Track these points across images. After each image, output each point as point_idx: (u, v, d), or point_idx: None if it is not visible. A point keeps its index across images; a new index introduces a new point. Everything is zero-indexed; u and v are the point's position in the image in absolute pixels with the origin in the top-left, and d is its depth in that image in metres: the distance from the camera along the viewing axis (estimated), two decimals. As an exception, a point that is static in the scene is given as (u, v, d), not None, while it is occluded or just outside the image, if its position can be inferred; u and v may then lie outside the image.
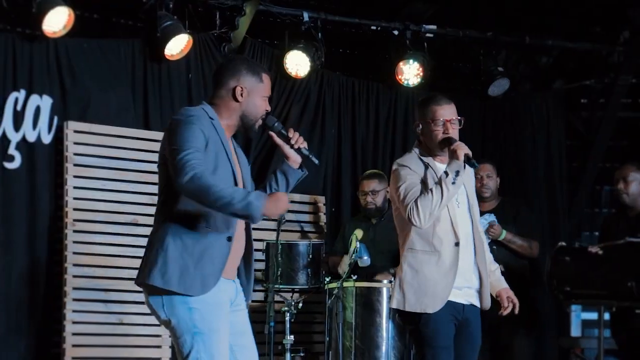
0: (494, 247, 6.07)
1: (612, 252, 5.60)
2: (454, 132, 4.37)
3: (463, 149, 4.27)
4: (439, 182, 4.27)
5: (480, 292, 4.45)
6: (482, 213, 6.25)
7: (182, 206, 3.66)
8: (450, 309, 4.34)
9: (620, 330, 6.21)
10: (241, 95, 3.77)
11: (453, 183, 4.24)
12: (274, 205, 3.61)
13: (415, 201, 4.27)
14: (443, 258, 4.33)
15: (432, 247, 4.35)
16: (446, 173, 4.27)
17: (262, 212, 3.57)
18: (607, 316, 6.28)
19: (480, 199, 6.43)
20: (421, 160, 4.42)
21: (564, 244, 5.86)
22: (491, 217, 6.13)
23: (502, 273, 5.75)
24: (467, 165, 4.28)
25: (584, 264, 5.71)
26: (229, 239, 3.71)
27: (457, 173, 4.25)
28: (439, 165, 4.41)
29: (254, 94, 3.79)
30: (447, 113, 4.37)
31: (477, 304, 4.46)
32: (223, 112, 3.78)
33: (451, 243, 4.34)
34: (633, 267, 5.44)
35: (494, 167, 6.60)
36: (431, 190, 4.27)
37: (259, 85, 3.81)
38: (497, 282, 4.59)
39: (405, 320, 4.45)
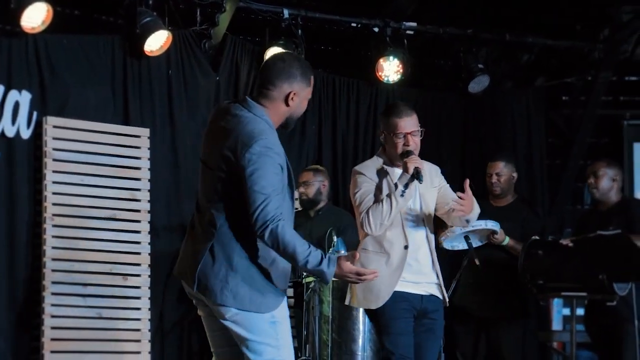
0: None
1: (583, 245, 5.63)
2: (414, 143, 4.60)
3: (414, 163, 4.49)
4: (389, 195, 4.52)
5: (440, 287, 4.68)
6: (495, 209, 6.26)
7: (250, 223, 3.65)
8: (406, 300, 4.57)
9: (592, 323, 6.25)
10: (292, 100, 3.76)
11: (402, 196, 4.50)
12: (340, 273, 3.72)
13: (367, 211, 4.53)
14: (392, 259, 4.58)
15: (382, 248, 4.61)
16: (396, 185, 4.51)
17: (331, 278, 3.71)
18: (581, 311, 6.35)
19: (494, 195, 6.46)
20: (383, 167, 4.64)
21: (536, 237, 5.88)
22: (496, 226, 6.10)
23: (493, 271, 5.83)
24: (421, 175, 4.49)
25: (557, 258, 5.73)
26: None
27: (407, 186, 4.48)
28: (400, 173, 4.61)
29: (302, 97, 3.80)
30: (407, 125, 4.59)
31: (439, 295, 4.68)
32: (272, 114, 3.76)
33: (401, 246, 4.59)
34: (604, 260, 5.47)
35: (507, 164, 6.47)
36: (382, 201, 4.52)
37: (307, 89, 3.83)
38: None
39: (343, 307, 4.83)
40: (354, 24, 7.50)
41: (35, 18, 6.15)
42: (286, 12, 7.13)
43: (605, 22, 8.13)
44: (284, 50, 6.20)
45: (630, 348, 5.83)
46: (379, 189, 4.59)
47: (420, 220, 4.66)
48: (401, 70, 7.51)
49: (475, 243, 6.09)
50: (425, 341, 4.62)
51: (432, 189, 4.72)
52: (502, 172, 6.44)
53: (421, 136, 4.65)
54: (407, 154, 4.55)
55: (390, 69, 7.52)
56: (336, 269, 3.66)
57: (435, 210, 4.76)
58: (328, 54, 7.88)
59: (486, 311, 6.24)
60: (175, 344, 6.80)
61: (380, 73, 7.53)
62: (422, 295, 4.60)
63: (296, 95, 3.75)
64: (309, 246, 3.66)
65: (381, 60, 7.50)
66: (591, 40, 8.14)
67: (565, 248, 5.68)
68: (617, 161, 6.59)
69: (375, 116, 7.78)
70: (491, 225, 6.01)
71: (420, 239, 4.65)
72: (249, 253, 3.71)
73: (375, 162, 4.70)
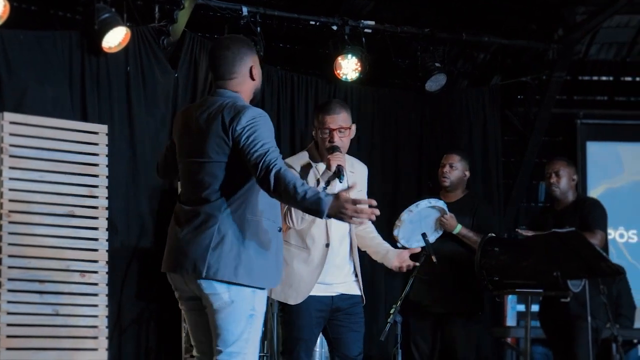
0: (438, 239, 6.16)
1: (539, 242, 5.71)
2: (339, 140, 4.67)
3: (336, 161, 4.57)
4: None
5: (357, 283, 4.83)
6: (446, 205, 6.31)
7: (253, 203, 3.81)
8: (315, 303, 4.70)
9: (547, 319, 6.34)
10: (254, 73, 3.96)
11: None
12: (337, 203, 3.68)
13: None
14: (312, 256, 4.68)
15: (304, 244, 4.70)
16: (318, 182, 4.59)
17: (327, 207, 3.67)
18: (536, 307, 6.43)
19: (443, 188, 6.48)
20: (309, 162, 4.72)
21: (493, 235, 5.95)
22: (440, 202, 6.12)
23: (449, 267, 5.89)
24: (343, 174, 4.54)
25: (512, 255, 5.80)
26: (280, 230, 3.93)
27: (328, 182, 4.55)
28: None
29: (258, 65, 3.99)
30: (334, 122, 4.67)
31: (354, 292, 4.82)
32: (244, 96, 3.93)
33: (322, 243, 4.69)
34: (558, 257, 5.55)
35: (461, 159, 6.45)
36: None
37: (257, 56, 4.01)
38: (389, 250, 4.90)
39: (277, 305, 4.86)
40: (312, 22, 7.54)
41: (-9, 14, 6.10)
42: (245, 10, 7.15)
43: (559, 22, 8.25)
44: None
45: (584, 344, 5.92)
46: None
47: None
48: (359, 69, 7.56)
49: (433, 237, 6.16)
50: (343, 335, 4.77)
51: (358, 192, 4.77)
52: (456, 166, 6.42)
53: (350, 135, 4.72)
54: (332, 149, 4.62)
55: (349, 67, 7.58)
56: (333, 199, 3.65)
57: None
58: (287, 52, 7.92)
59: (441, 307, 6.30)
60: (132, 340, 6.79)
61: (338, 71, 7.58)
62: (332, 297, 4.74)
63: (254, 67, 3.96)
64: (308, 185, 3.81)
65: (339, 58, 7.55)
66: (546, 40, 8.27)
67: (521, 244, 5.76)
68: (572, 160, 6.69)
69: (333, 114, 7.82)
70: (434, 202, 6.07)
71: (343, 239, 4.76)
72: (257, 231, 3.81)
73: (303, 156, 4.78)
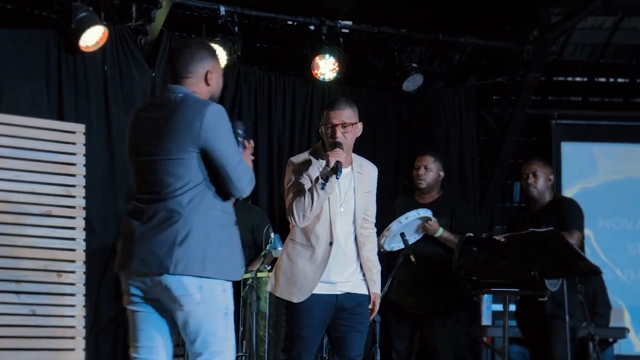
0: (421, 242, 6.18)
1: (517, 242, 5.74)
2: (342, 136, 4.66)
3: (335, 157, 4.57)
4: (310, 188, 4.60)
5: (365, 282, 4.80)
6: (420, 205, 6.34)
7: (212, 198, 3.85)
8: (319, 302, 4.69)
9: (524, 318, 6.37)
10: (210, 78, 3.95)
11: (322, 189, 4.56)
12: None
13: (292, 202, 4.63)
14: (316, 254, 4.68)
15: (309, 242, 4.70)
16: (317, 179, 4.58)
17: None
18: (512, 307, 6.47)
19: (419, 190, 6.52)
20: (311, 158, 4.72)
21: (471, 234, 5.98)
22: (428, 212, 6.16)
23: (429, 267, 5.89)
24: (340, 170, 4.53)
25: (491, 254, 5.83)
26: (236, 222, 3.98)
27: (327, 179, 4.54)
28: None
29: (217, 74, 3.98)
30: (336, 117, 4.68)
31: (360, 291, 4.79)
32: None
33: (326, 242, 4.68)
34: (536, 257, 5.59)
35: (435, 160, 6.49)
36: (305, 193, 4.60)
37: (218, 65, 4.02)
38: (372, 285, 4.87)
39: (279, 303, 4.88)
40: (290, 22, 7.54)
41: (-33, 12, 6.06)
42: (222, 9, 7.14)
43: (534, 23, 8.30)
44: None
45: (561, 343, 5.96)
46: (307, 180, 4.66)
47: (349, 219, 4.74)
48: (337, 69, 7.58)
49: (413, 238, 6.19)
50: (347, 335, 4.75)
51: (365, 193, 4.80)
52: (430, 167, 6.46)
53: (354, 132, 4.71)
54: (333, 145, 4.63)
55: (326, 67, 7.59)
56: None
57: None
58: (264, 52, 7.92)
59: (421, 309, 6.31)
60: (110, 340, 6.77)
61: (316, 71, 7.59)
62: (337, 295, 4.73)
63: (211, 72, 3.96)
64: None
65: (317, 58, 7.56)
66: (521, 41, 8.31)
67: (499, 244, 5.79)
68: (547, 160, 6.73)
69: (311, 114, 7.84)
70: (423, 212, 6.11)
71: (347, 238, 4.74)
72: (219, 224, 3.85)
73: (304, 154, 4.78)
